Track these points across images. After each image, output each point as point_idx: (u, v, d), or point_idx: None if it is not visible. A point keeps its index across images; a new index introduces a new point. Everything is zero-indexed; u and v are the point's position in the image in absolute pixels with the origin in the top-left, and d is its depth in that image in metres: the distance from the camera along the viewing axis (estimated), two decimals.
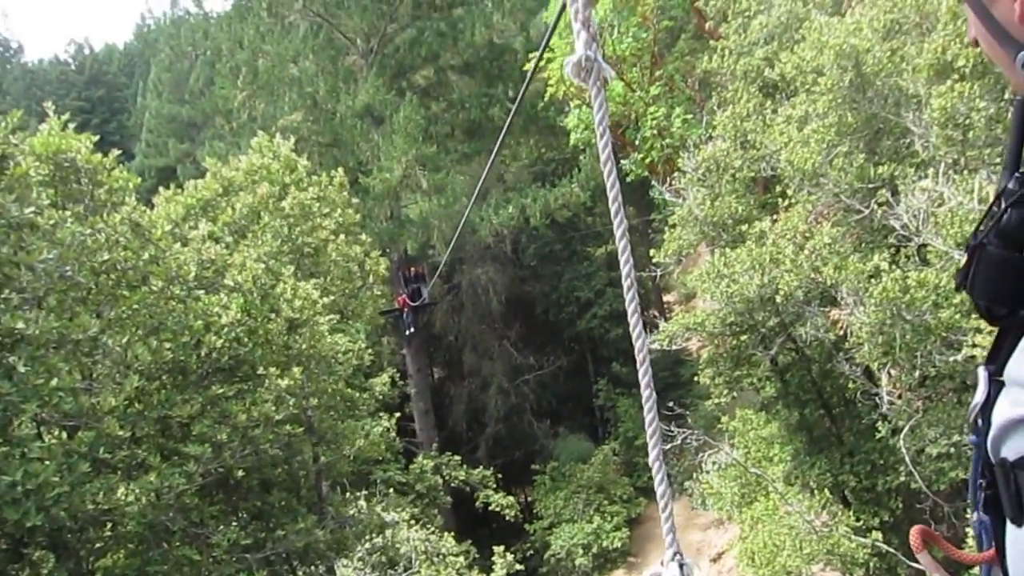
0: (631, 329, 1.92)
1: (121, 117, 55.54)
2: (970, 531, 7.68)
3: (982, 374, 1.13)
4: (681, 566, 1.82)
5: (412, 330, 23.66)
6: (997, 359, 1.09)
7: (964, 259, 1.12)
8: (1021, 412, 1.00)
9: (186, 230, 10.83)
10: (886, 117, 10.49)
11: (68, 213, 7.78)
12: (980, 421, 1.12)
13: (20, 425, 6.76)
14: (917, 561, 1.45)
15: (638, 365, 1.91)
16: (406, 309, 22.03)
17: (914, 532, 1.32)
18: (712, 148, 12.68)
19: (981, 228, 1.09)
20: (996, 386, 1.08)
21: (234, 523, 9.80)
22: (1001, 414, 1.03)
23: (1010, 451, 1.02)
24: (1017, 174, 1.08)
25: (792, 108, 11.54)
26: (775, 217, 11.94)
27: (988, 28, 1.06)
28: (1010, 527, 1.04)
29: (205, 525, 9.10)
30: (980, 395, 1.12)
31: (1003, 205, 1.06)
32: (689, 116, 17.01)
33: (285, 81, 23.02)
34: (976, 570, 1.22)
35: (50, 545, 8.05)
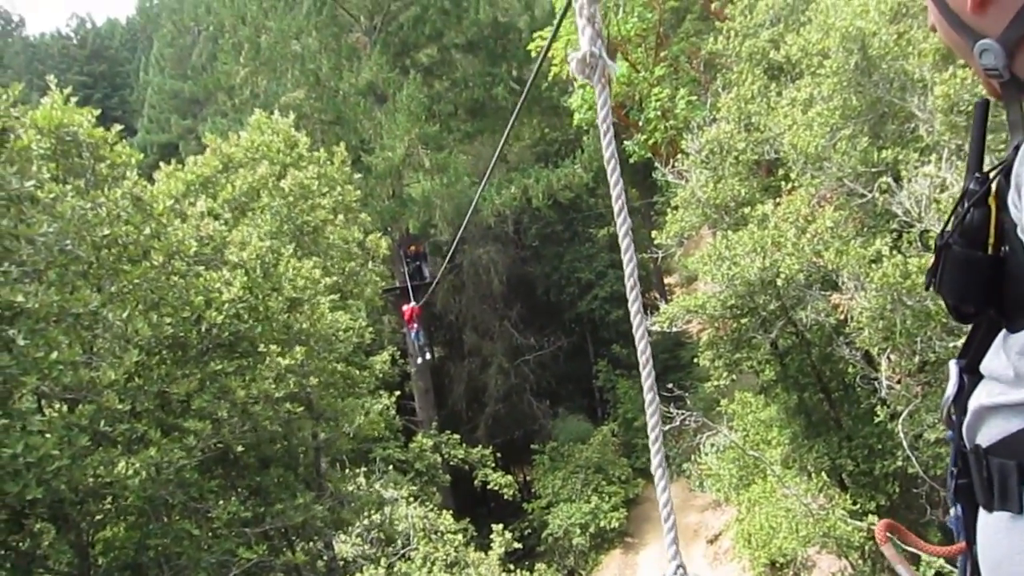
0: (632, 314, 1.92)
1: (123, 92, 55.29)
2: None
3: (953, 368, 1.16)
4: None
5: (427, 357, 23.13)
6: (968, 354, 1.12)
7: (932, 259, 1.14)
8: (995, 400, 1.01)
9: (186, 206, 10.81)
10: (891, 101, 10.44)
11: (69, 187, 7.75)
12: (953, 414, 1.15)
13: (20, 398, 6.78)
14: (911, 545, 1.48)
15: (639, 353, 1.90)
16: (414, 326, 20.65)
17: (879, 526, 1.35)
18: (716, 130, 12.64)
19: (947, 228, 1.11)
20: (970, 380, 1.11)
21: (233, 498, 9.85)
22: (976, 402, 1.06)
23: (984, 437, 1.04)
24: (977, 174, 1.10)
25: (797, 91, 11.48)
26: (778, 200, 11.92)
27: (943, 16, 1.06)
28: (982, 514, 1.05)
29: (204, 500, 9.15)
30: (952, 388, 1.15)
31: (966, 205, 1.08)
32: (693, 98, 16.94)
33: (288, 58, 22.91)
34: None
35: (51, 517, 8.10)
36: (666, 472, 1.83)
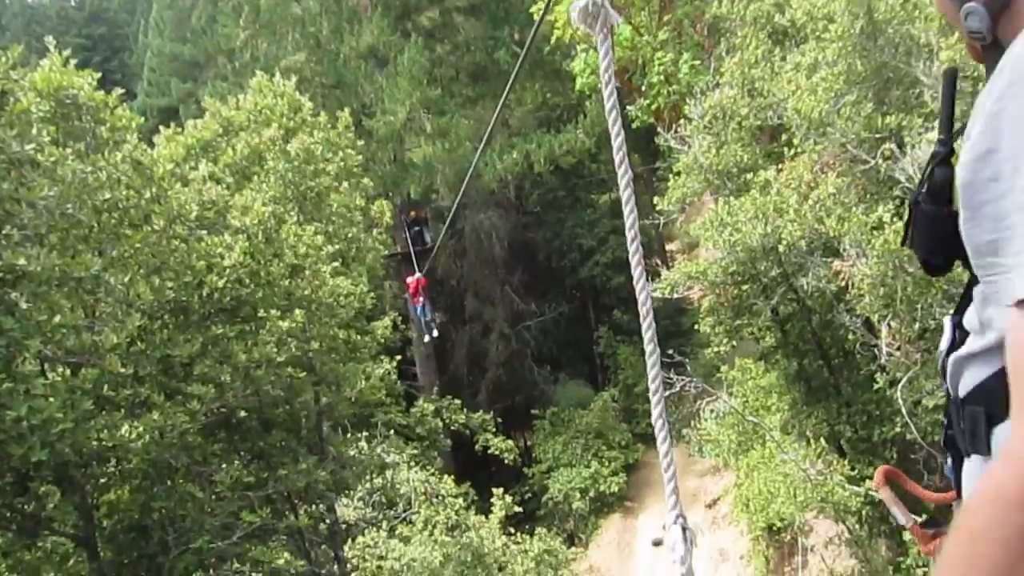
0: (634, 280, 1.91)
1: (122, 55, 54.82)
2: None
3: (947, 323, 1.21)
4: (684, 529, 1.82)
5: (434, 334, 20.33)
6: (961, 310, 1.17)
7: (907, 217, 1.24)
8: (968, 349, 1.08)
9: (187, 170, 10.77)
10: (896, 66, 10.34)
11: (69, 151, 7.73)
12: (947, 368, 1.20)
13: (24, 361, 6.82)
14: (910, 490, 1.52)
15: (641, 319, 1.90)
16: (419, 300, 18.63)
17: (879, 471, 1.40)
18: (719, 95, 12.54)
19: (919, 188, 1.21)
20: (960, 335, 1.15)
21: (236, 462, 9.94)
22: (956, 353, 1.13)
23: (962, 387, 1.11)
24: (941, 137, 1.20)
25: (801, 55, 11.37)
26: (780, 166, 11.85)
27: None
28: (965, 461, 1.12)
29: (208, 463, 9.24)
30: (945, 343, 1.21)
31: (931, 166, 1.18)
32: (697, 62, 16.77)
33: (288, 20, 22.69)
34: None
35: (56, 480, 8.18)
36: (667, 425, 1.84)
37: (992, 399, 0.99)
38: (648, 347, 1.88)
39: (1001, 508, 0.79)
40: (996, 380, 0.97)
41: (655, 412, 1.84)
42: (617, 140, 1.87)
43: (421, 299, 18.63)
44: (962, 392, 1.10)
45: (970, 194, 0.95)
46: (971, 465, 1.09)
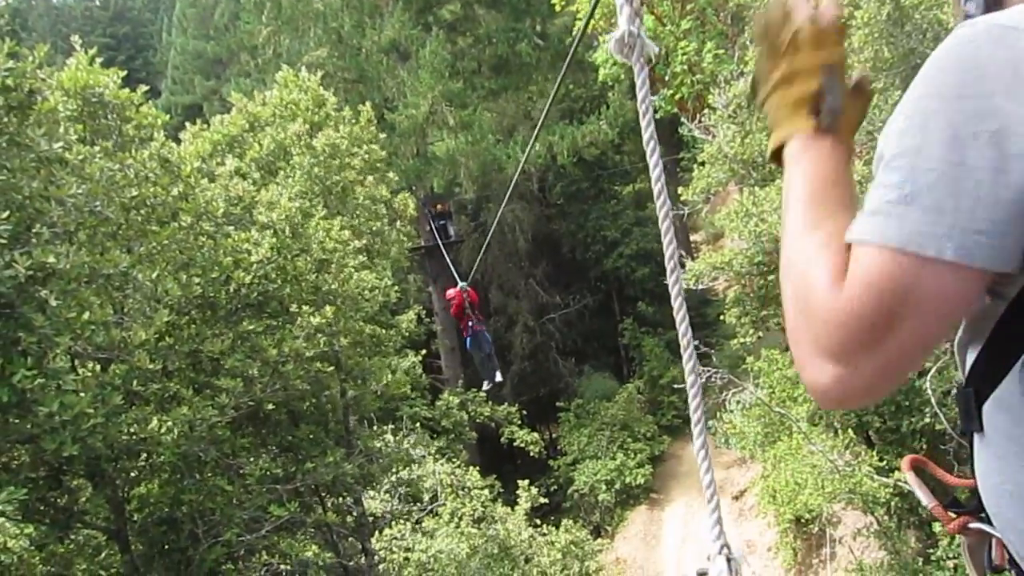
0: (668, 274, 1.89)
1: (147, 54, 55.34)
2: None
3: None
4: (728, 560, 1.79)
5: (497, 378, 15.49)
6: None
7: None
8: (960, 334, 1.13)
9: (213, 166, 10.84)
10: (924, 52, 10.20)
11: (97, 148, 7.81)
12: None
13: (55, 358, 6.90)
14: (937, 476, 1.54)
15: (675, 312, 1.87)
16: (470, 324, 14.16)
17: (906, 458, 1.43)
18: (744, 84, 12.43)
19: None
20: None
21: (264, 455, 10.02)
22: (956, 341, 1.16)
23: (963, 371, 1.14)
24: None
25: None
26: None
27: None
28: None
29: (237, 456, 9.32)
30: (960, 332, 1.21)
31: None
32: (721, 51, 16.64)
33: (310, 16, 22.75)
34: None
35: (87, 474, 8.30)
36: (709, 456, 1.80)
37: (978, 378, 1.06)
38: (687, 371, 1.83)
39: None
40: (979, 359, 1.06)
41: (696, 443, 1.81)
42: (656, 170, 1.85)
43: (472, 322, 14.02)
44: (964, 375, 1.13)
45: (874, 167, 1.06)
46: (975, 445, 1.12)
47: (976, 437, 1.10)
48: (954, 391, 9.72)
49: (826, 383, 1.02)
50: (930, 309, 0.95)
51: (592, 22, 18.19)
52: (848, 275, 1.01)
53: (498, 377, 15.68)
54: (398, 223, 16.17)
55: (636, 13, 1.76)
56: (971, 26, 0.99)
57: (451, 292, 13.48)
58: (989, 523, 1.14)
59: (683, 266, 13.34)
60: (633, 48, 1.78)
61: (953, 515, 1.25)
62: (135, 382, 7.57)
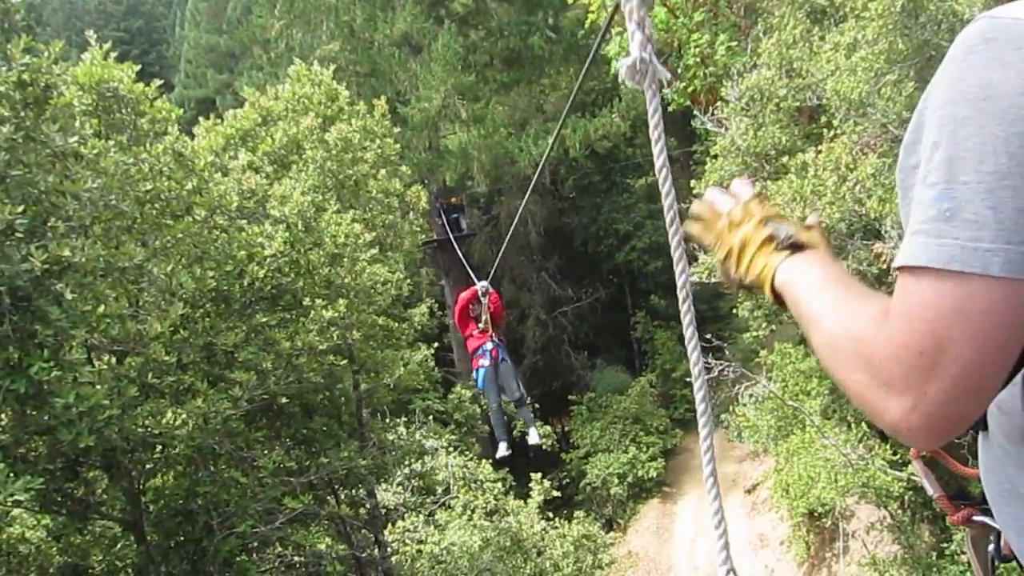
0: (675, 264, 1.89)
1: (160, 48, 55.52)
2: None
3: None
4: None
5: (537, 439, 10.91)
6: None
7: None
8: None
9: (226, 160, 10.88)
10: (938, 44, 10.13)
11: (111, 143, 7.85)
12: None
13: (71, 350, 6.94)
14: (947, 464, 1.56)
15: (681, 310, 1.87)
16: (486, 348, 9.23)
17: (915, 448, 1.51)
18: (756, 77, 12.38)
19: None
20: None
21: (278, 448, 10.07)
22: None
23: None
24: None
25: (840, 35, 11.18)
26: (819, 148, 11.69)
27: None
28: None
29: (251, 449, 9.37)
30: None
31: None
32: (734, 43, 16.55)
33: (322, 10, 22.79)
34: None
35: (103, 465, 8.36)
36: (715, 473, 1.78)
37: None
38: (696, 380, 1.81)
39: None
40: None
41: (705, 459, 1.79)
42: (663, 174, 1.85)
43: (489, 346, 9.16)
44: None
45: (901, 179, 1.06)
46: (980, 443, 1.13)
47: (981, 436, 1.11)
48: None
49: (895, 417, 0.98)
50: (984, 327, 0.91)
51: (604, 15, 18.14)
52: (893, 305, 0.99)
53: (537, 438, 10.84)
54: (410, 216, 16.16)
55: (648, 39, 1.76)
56: (989, 19, 0.97)
57: (465, 295, 9.10)
58: (992, 517, 1.16)
59: (696, 259, 13.32)
60: (645, 75, 1.77)
61: (959, 506, 1.27)
62: (150, 374, 7.62)
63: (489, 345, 9.18)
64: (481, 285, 8.94)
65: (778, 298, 1.27)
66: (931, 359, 0.93)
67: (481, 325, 9.21)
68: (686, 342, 1.81)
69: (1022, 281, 0.89)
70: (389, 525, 14.24)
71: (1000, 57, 0.92)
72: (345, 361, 10.58)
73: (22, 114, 6.51)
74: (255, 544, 9.94)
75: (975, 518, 1.22)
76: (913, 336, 0.95)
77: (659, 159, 1.85)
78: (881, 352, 0.98)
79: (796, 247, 1.26)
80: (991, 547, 1.26)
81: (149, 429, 7.49)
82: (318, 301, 9.74)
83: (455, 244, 19.10)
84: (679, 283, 1.87)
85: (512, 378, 9.41)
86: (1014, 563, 1.15)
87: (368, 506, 12.85)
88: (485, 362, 9.16)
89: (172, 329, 8.14)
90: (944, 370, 0.92)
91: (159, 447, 8.58)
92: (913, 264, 0.95)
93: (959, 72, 0.96)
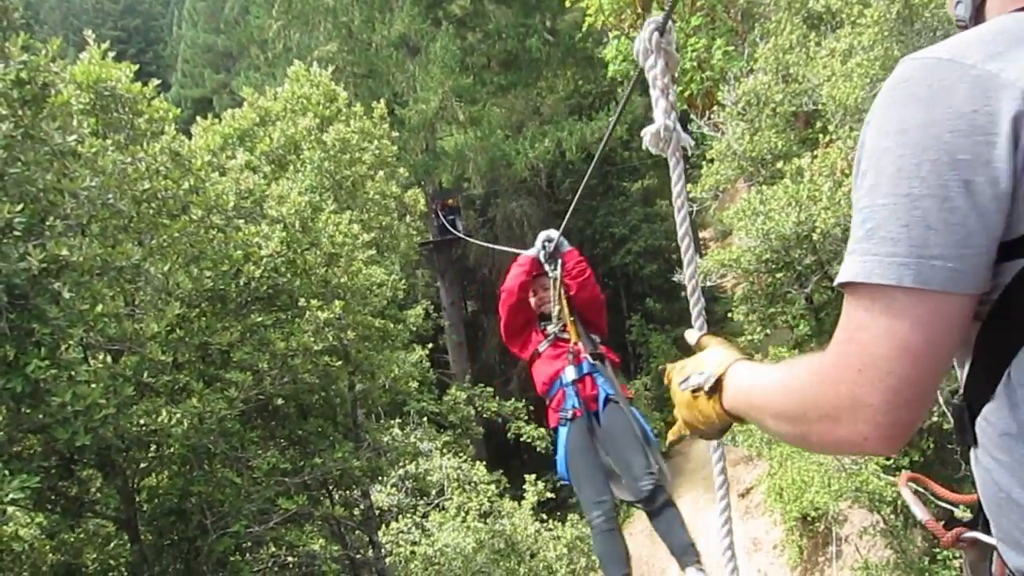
0: (684, 274, 1.91)
1: (157, 47, 55.46)
2: None
3: None
4: None
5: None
6: None
7: None
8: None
9: (223, 159, 10.88)
10: None
11: (109, 142, 7.86)
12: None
13: (68, 349, 6.94)
14: (945, 501, 1.57)
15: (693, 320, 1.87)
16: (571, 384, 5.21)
17: (903, 474, 1.57)
18: (753, 81, 12.44)
19: None
20: None
21: (273, 448, 10.06)
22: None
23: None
24: None
25: (836, 41, 11.25)
26: (815, 153, 11.74)
27: None
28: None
29: (246, 449, 9.35)
30: None
31: None
32: (730, 48, 16.61)
33: (320, 10, 22.80)
34: None
35: (98, 464, 8.35)
36: (731, 521, 1.80)
37: (970, 393, 1.10)
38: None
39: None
40: (969, 376, 1.10)
41: (716, 468, 1.81)
42: (684, 240, 1.87)
43: (572, 374, 5.08)
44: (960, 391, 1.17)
45: (853, 200, 1.10)
46: (973, 458, 1.15)
47: (972, 450, 1.13)
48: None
49: (852, 436, 1.06)
50: (911, 341, 0.99)
51: (602, 18, 18.20)
52: (835, 333, 1.08)
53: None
54: (407, 218, 16.18)
55: (672, 107, 1.78)
56: (911, 60, 1.05)
57: (515, 270, 5.48)
58: (984, 531, 1.17)
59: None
60: (669, 142, 1.80)
61: (948, 527, 1.28)
62: (146, 373, 7.63)
63: (572, 373, 5.05)
64: (543, 241, 5.24)
65: (743, 420, 1.41)
66: (869, 375, 1.02)
67: (553, 327, 5.20)
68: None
69: (934, 292, 0.97)
70: (383, 526, 14.22)
71: (914, 95, 1.01)
72: (340, 362, 10.58)
73: (20, 112, 6.52)
74: (249, 544, 9.94)
75: (966, 535, 1.24)
76: (850, 356, 1.04)
77: (682, 227, 1.88)
78: (824, 386, 1.07)
79: (713, 388, 1.44)
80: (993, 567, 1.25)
81: (144, 428, 7.49)
82: (314, 302, 9.74)
83: (461, 238, 19.24)
84: (688, 286, 1.88)
85: (633, 442, 4.79)
86: None
87: (362, 507, 12.84)
88: (568, 414, 4.98)
89: (168, 328, 8.14)
90: (882, 383, 1.01)
91: (154, 446, 8.57)
92: (843, 280, 1.05)
93: (884, 109, 1.04)
